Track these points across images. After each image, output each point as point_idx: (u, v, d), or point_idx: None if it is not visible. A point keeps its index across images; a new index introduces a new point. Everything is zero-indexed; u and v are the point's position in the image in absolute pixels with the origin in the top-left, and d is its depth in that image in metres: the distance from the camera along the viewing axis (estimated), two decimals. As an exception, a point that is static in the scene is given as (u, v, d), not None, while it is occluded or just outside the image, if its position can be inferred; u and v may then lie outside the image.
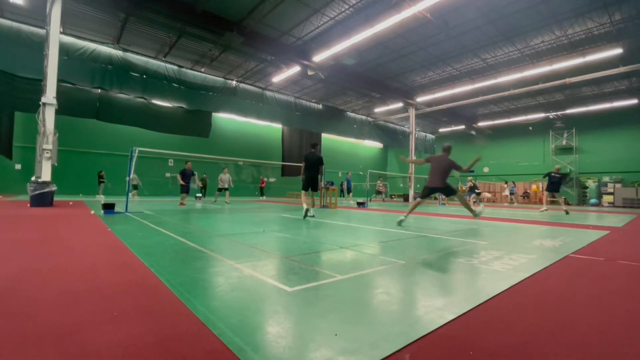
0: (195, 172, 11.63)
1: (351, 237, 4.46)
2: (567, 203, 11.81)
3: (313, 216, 7.15)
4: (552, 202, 11.54)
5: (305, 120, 20.55)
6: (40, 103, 8.91)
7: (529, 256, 3.25)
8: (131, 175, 8.01)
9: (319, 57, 13.50)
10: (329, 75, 15.67)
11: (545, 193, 11.57)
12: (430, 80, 17.70)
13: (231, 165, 21.59)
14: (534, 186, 23.42)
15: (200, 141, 17.69)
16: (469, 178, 14.18)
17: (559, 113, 22.08)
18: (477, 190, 14.97)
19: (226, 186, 13.16)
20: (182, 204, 10.85)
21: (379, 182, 22.50)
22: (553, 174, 11.01)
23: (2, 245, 3.27)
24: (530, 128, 24.48)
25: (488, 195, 22.85)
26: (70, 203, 10.06)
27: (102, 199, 13.07)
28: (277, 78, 16.55)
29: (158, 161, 18.93)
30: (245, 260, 2.82)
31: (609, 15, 11.21)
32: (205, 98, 16.36)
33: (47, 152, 8.78)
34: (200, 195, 15.83)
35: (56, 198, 9.46)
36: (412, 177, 20.92)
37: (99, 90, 13.67)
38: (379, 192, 22.27)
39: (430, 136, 29.93)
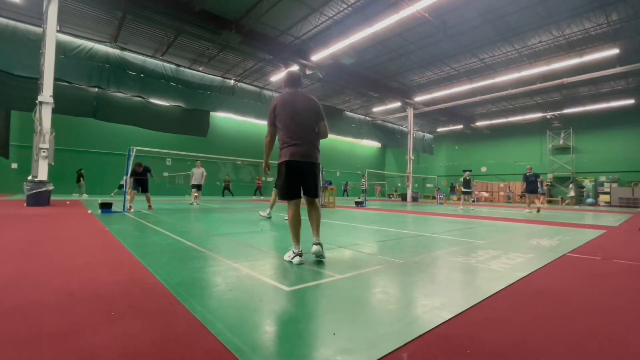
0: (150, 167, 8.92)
1: (349, 236, 4.46)
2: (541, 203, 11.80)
3: None
4: (531, 202, 11.51)
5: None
6: (37, 102, 8.85)
7: (526, 255, 3.26)
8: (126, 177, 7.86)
9: (317, 57, 13.50)
10: (327, 75, 15.66)
11: (527, 195, 11.31)
12: (429, 79, 17.72)
13: (229, 164, 21.54)
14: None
15: (198, 140, 17.64)
16: (467, 172, 13.46)
17: (556, 113, 22.17)
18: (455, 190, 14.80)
19: (197, 183, 11.09)
20: (130, 207, 7.69)
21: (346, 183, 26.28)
22: (527, 175, 10.96)
23: (-2, 244, 3.25)
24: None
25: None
26: (67, 202, 10.01)
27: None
28: (275, 77, 16.53)
29: (156, 160, 18.83)
30: (243, 259, 2.82)
31: (606, 16, 11.26)
32: (203, 97, 16.30)
33: (43, 151, 8.72)
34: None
35: (53, 197, 9.40)
36: (410, 177, 20.97)
37: (96, 89, 13.58)
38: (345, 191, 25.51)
39: (428, 135, 29.99)
